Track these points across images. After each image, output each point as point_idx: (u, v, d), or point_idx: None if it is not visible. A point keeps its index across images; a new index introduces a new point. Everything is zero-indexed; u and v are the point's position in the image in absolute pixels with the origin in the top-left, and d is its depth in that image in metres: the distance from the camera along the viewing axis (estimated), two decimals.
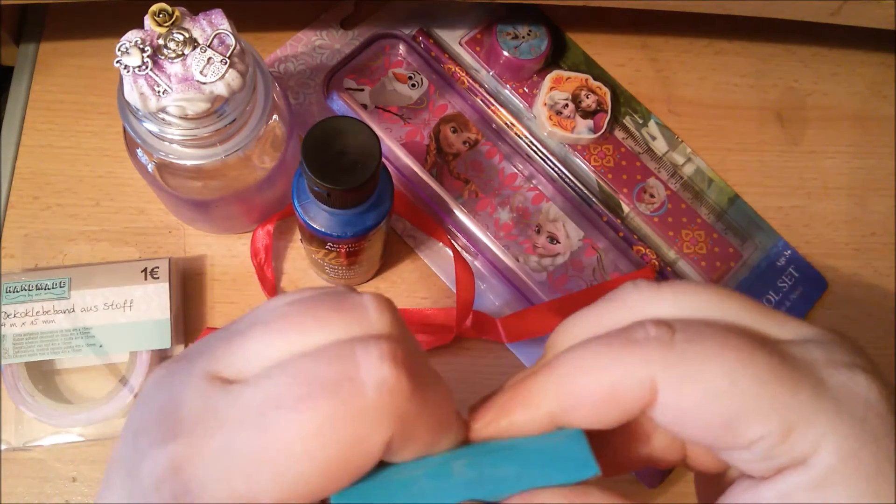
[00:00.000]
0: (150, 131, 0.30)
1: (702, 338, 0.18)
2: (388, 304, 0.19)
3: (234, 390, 0.17)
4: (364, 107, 0.43)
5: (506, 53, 0.43)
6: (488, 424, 0.19)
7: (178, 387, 0.18)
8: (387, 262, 0.41)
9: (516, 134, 0.43)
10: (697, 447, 0.21)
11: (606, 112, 0.43)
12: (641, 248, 0.41)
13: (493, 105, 0.43)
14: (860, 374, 0.18)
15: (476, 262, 0.41)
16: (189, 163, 0.31)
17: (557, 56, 0.45)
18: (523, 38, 0.43)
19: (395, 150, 0.41)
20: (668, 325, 0.18)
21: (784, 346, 0.19)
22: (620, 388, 0.18)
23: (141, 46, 0.27)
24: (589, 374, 0.18)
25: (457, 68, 0.44)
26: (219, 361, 0.18)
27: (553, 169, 0.42)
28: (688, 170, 0.44)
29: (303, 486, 0.16)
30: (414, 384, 0.17)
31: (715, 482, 0.21)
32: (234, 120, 0.30)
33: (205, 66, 0.27)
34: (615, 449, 0.21)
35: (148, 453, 0.17)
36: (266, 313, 0.18)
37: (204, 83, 0.28)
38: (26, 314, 0.36)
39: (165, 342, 0.36)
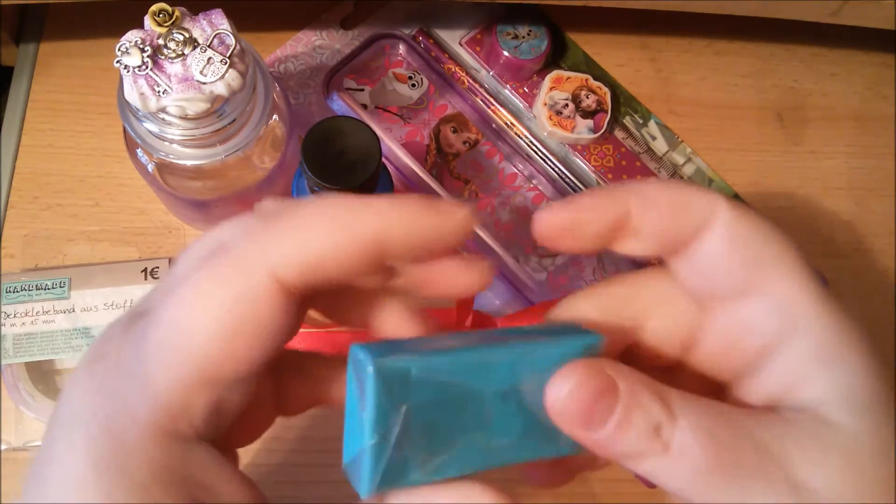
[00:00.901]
0: (150, 131, 0.30)
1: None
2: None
3: (144, 316, 0.19)
4: (364, 107, 0.43)
5: (506, 53, 0.43)
6: (558, 208, 0.20)
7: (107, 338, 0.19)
8: None
9: (516, 134, 0.43)
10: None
11: (606, 112, 0.43)
12: None
13: (493, 105, 0.43)
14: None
15: None
16: (189, 163, 0.31)
17: (557, 56, 0.45)
18: (523, 38, 0.43)
19: (395, 150, 0.41)
20: None
21: None
22: (692, 200, 0.20)
23: (141, 46, 0.27)
24: (666, 184, 0.20)
25: (457, 68, 0.44)
26: (136, 306, 0.20)
27: (553, 169, 0.42)
28: (688, 170, 0.44)
29: (210, 347, 0.17)
30: (267, 215, 0.18)
31: None
32: (234, 120, 0.30)
33: (205, 66, 0.28)
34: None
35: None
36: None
37: (204, 83, 0.28)
38: (26, 314, 0.36)
39: None
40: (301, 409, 0.23)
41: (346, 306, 0.21)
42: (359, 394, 0.17)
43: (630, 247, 0.21)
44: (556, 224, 0.20)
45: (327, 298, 0.21)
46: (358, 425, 0.17)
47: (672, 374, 0.22)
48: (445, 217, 0.18)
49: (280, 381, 0.22)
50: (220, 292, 0.17)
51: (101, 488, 0.17)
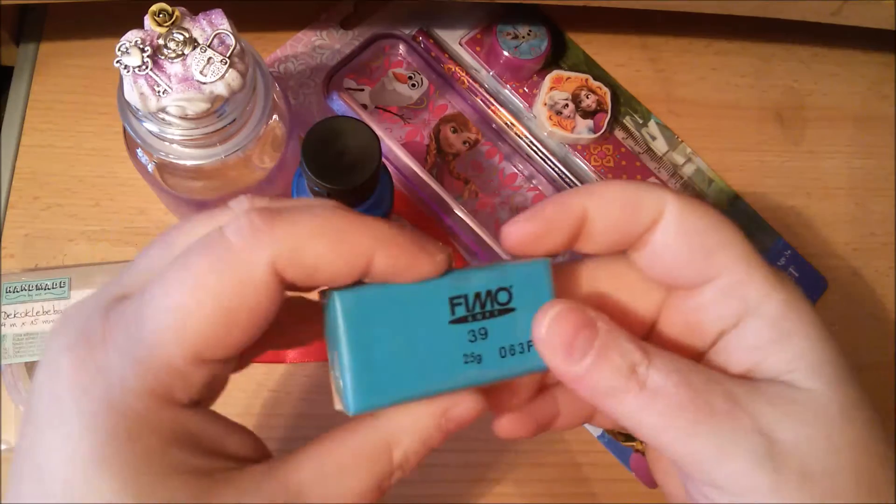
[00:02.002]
0: (150, 131, 0.30)
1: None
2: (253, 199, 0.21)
3: (128, 299, 0.19)
4: (364, 107, 0.43)
5: (506, 53, 0.43)
6: (522, 220, 0.22)
7: (86, 314, 0.19)
8: None
9: (516, 134, 0.43)
10: None
11: (606, 112, 0.43)
12: None
13: (493, 105, 0.43)
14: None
15: (476, 262, 0.41)
16: (189, 163, 0.31)
17: (557, 56, 0.45)
18: (523, 38, 0.43)
19: (395, 150, 0.41)
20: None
21: None
22: (642, 198, 0.21)
23: (141, 46, 0.27)
24: (618, 185, 0.22)
25: (457, 68, 0.44)
26: (119, 284, 0.20)
27: (553, 169, 0.42)
28: (688, 170, 0.44)
29: (208, 333, 0.18)
30: (271, 214, 0.18)
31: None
32: (234, 120, 0.30)
33: (205, 66, 0.28)
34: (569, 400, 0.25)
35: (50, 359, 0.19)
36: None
37: (204, 83, 0.28)
38: (26, 314, 0.36)
39: None
40: (250, 361, 0.24)
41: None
42: (332, 330, 0.20)
43: (590, 246, 0.22)
44: (522, 236, 0.22)
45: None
46: (338, 360, 0.19)
47: None
48: (429, 259, 0.20)
49: None
50: (223, 281, 0.18)
51: (115, 459, 0.17)
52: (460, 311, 0.20)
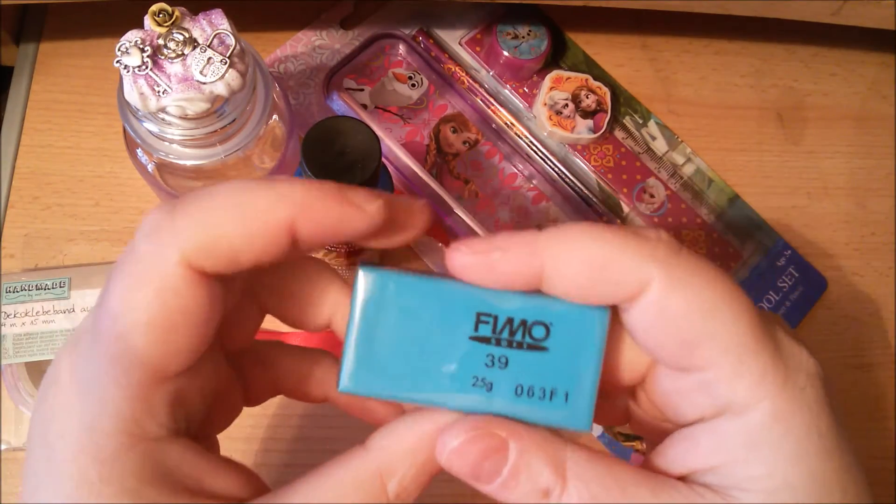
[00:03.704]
0: (150, 131, 0.30)
1: (704, 263, 0.19)
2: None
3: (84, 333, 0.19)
4: (364, 107, 0.43)
5: (506, 53, 0.43)
6: (477, 253, 0.19)
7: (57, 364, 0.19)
8: (387, 261, 0.41)
9: (516, 134, 0.43)
10: (644, 398, 0.22)
11: (606, 112, 0.43)
12: None
13: (493, 105, 0.43)
14: (804, 349, 0.19)
15: None
16: (189, 163, 0.31)
17: (557, 56, 0.45)
18: (523, 38, 0.43)
19: (395, 150, 0.41)
20: (679, 241, 0.19)
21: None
22: (617, 264, 0.18)
23: (141, 46, 0.27)
24: (593, 241, 0.18)
25: (457, 68, 0.44)
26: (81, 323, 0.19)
27: (553, 169, 0.42)
28: (688, 170, 0.44)
29: (149, 350, 0.17)
30: (172, 207, 0.17)
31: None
32: (234, 120, 0.30)
33: (205, 66, 0.27)
34: None
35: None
36: None
37: (204, 83, 0.28)
38: (26, 314, 0.36)
39: None
40: (263, 399, 0.23)
41: (299, 308, 0.21)
42: (352, 303, 0.19)
43: (556, 293, 0.19)
44: (467, 266, 0.19)
45: (277, 303, 0.21)
46: (346, 333, 0.19)
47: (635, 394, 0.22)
48: (355, 209, 0.18)
49: (242, 370, 0.22)
50: (140, 292, 0.17)
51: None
52: (484, 330, 0.19)
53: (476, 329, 0.19)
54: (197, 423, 0.20)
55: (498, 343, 0.19)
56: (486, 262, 0.18)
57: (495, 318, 0.19)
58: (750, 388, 0.18)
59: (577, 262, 0.18)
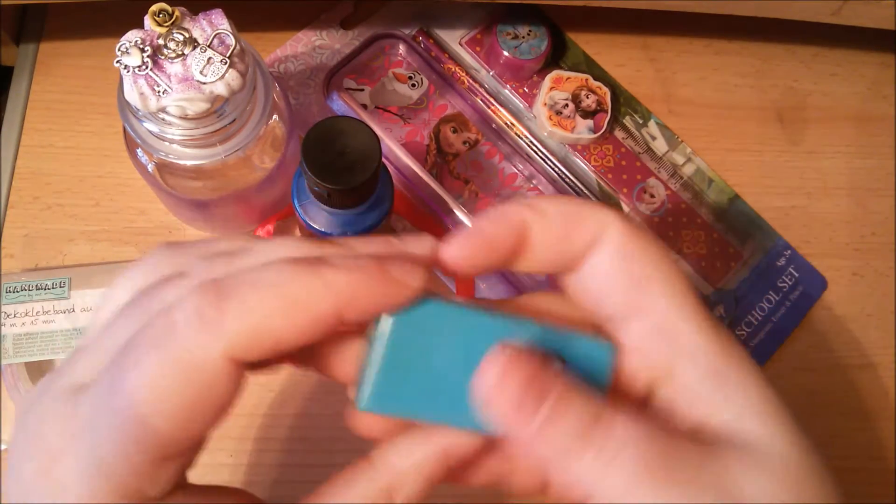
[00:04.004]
0: (150, 131, 0.30)
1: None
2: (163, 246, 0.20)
3: (84, 392, 0.18)
4: (364, 107, 0.43)
5: (506, 53, 0.43)
6: (461, 238, 0.20)
7: (41, 417, 0.18)
8: None
9: (516, 134, 0.43)
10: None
11: (606, 112, 0.43)
12: None
13: (493, 105, 0.43)
14: None
15: None
16: (189, 163, 0.31)
17: (557, 56, 0.45)
18: (523, 38, 0.43)
19: (395, 150, 0.41)
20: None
21: None
22: (585, 215, 0.21)
23: (141, 46, 0.27)
24: (560, 200, 0.21)
25: (457, 68, 0.44)
26: (71, 374, 0.19)
27: (553, 169, 0.42)
28: (688, 170, 0.44)
29: (167, 433, 0.17)
30: (218, 296, 0.17)
31: None
32: (234, 120, 0.30)
33: (205, 66, 0.27)
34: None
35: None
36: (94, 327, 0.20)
37: (204, 83, 0.28)
38: (26, 314, 0.36)
39: None
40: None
41: (319, 356, 0.21)
42: (380, 321, 0.19)
43: (529, 265, 0.21)
44: (460, 257, 0.20)
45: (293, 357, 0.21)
46: (372, 350, 0.19)
47: None
48: (399, 287, 0.18)
49: None
50: (173, 381, 0.17)
51: None
52: None
53: None
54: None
55: None
56: (480, 238, 0.20)
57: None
58: (695, 327, 0.20)
59: (559, 217, 0.20)
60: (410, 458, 0.19)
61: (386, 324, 0.19)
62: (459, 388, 0.19)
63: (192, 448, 0.18)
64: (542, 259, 0.21)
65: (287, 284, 0.17)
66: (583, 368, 0.19)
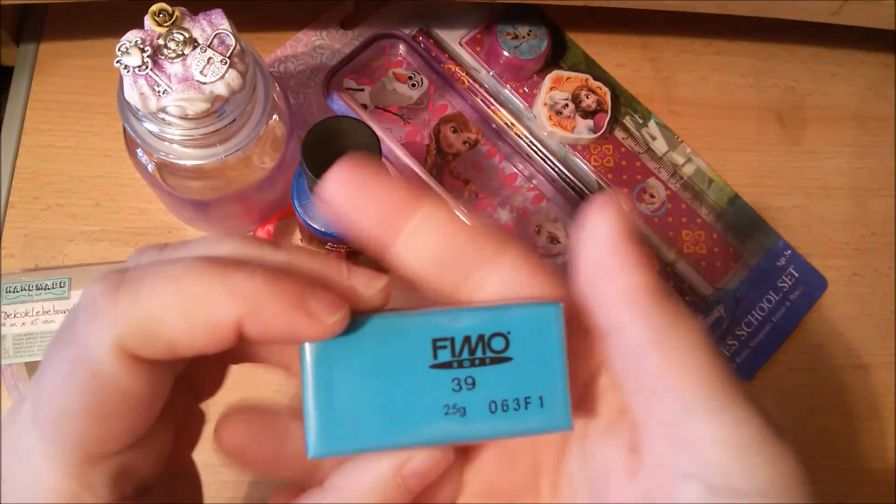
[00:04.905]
0: (150, 131, 0.30)
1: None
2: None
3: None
4: (364, 107, 0.43)
5: (506, 53, 0.43)
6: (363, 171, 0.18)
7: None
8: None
9: (516, 134, 0.43)
10: None
11: (606, 112, 0.43)
12: None
13: (493, 105, 0.43)
14: None
15: None
16: (189, 163, 0.31)
17: (557, 56, 0.45)
18: (523, 38, 0.43)
19: (395, 150, 0.41)
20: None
21: None
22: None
23: (141, 46, 0.27)
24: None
25: (457, 68, 0.44)
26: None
27: (553, 169, 0.42)
28: (688, 170, 0.44)
29: (83, 435, 0.16)
30: (116, 285, 0.16)
31: None
32: (234, 120, 0.30)
33: (205, 66, 0.27)
34: None
35: None
36: None
37: (204, 83, 0.28)
38: (26, 314, 0.36)
39: None
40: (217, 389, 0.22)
41: (269, 349, 0.20)
42: (301, 362, 0.17)
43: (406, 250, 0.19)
44: (344, 191, 0.18)
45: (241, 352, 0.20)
46: (302, 395, 0.18)
47: None
48: (311, 324, 0.16)
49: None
50: (73, 378, 0.16)
51: None
52: (444, 356, 0.18)
53: (435, 356, 0.18)
54: (154, 477, 0.19)
55: (460, 365, 0.18)
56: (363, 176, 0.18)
57: (451, 339, 0.18)
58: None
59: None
60: (361, 483, 0.18)
61: (305, 353, 0.17)
62: (408, 403, 0.18)
63: (120, 451, 0.17)
64: (417, 250, 0.18)
65: (186, 279, 0.16)
66: (535, 334, 0.18)
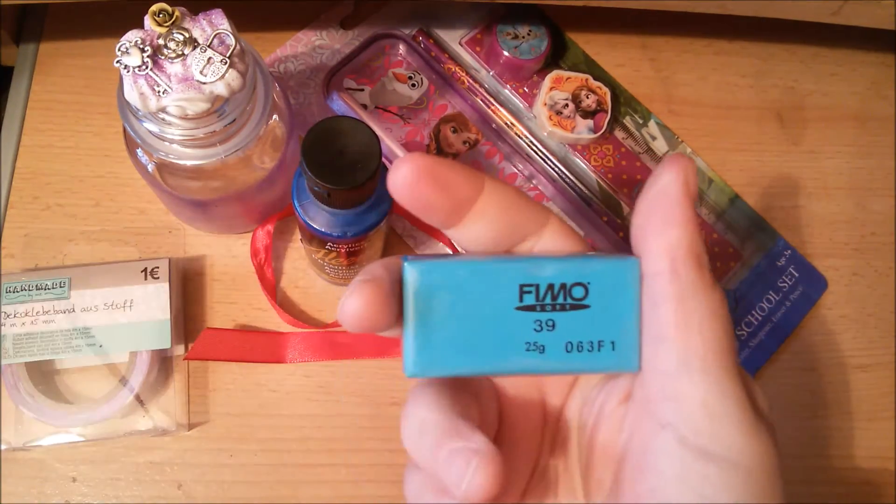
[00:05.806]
0: (150, 131, 0.30)
1: None
2: None
3: None
4: (364, 107, 0.43)
5: (506, 53, 0.43)
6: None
7: None
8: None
9: (516, 134, 0.43)
10: None
11: (606, 112, 0.43)
12: None
13: (493, 105, 0.43)
14: None
15: None
16: (189, 163, 0.31)
17: (557, 56, 0.45)
18: (523, 38, 0.43)
19: (395, 150, 0.41)
20: None
21: None
22: (529, 202, 0.22)
23: (141, 46, 0.27)
24: (508, 186, 0.22)
25: (457, 68, 0.44)
26: None
27: (553, 169, 0.42)
28: None
29: None
30: None
31: None
32: (234, 120, 0.30)
33: (205, 66, 0.27)
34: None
35: None
36: None
37: (204, 83, 0.28)
38: (26, 314, 0.36)
39: (165, 342, 0.36)
40: None
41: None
42: (403, 295, 0.20)
43: (467, 230, 0.21)
44: (412, 178, 0.19)
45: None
46: (404, 323, 0.20)
47: None
48: None
49: None
50: None
51: None
52: (529, 300, 0.20)
53: (521, 300, 0.20)
54: None
55: (543, 309, 0.20)
56: (438, 168, 0.20)
57: (537, 286, 0.20)
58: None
59: (507, 190, 0.21)
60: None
61: (408, 283, 0.20)
62: (494, 337, 0.20)
63: None
64: (481, 228, 0.21)
65: None
66: (612, 285, 0.20)
